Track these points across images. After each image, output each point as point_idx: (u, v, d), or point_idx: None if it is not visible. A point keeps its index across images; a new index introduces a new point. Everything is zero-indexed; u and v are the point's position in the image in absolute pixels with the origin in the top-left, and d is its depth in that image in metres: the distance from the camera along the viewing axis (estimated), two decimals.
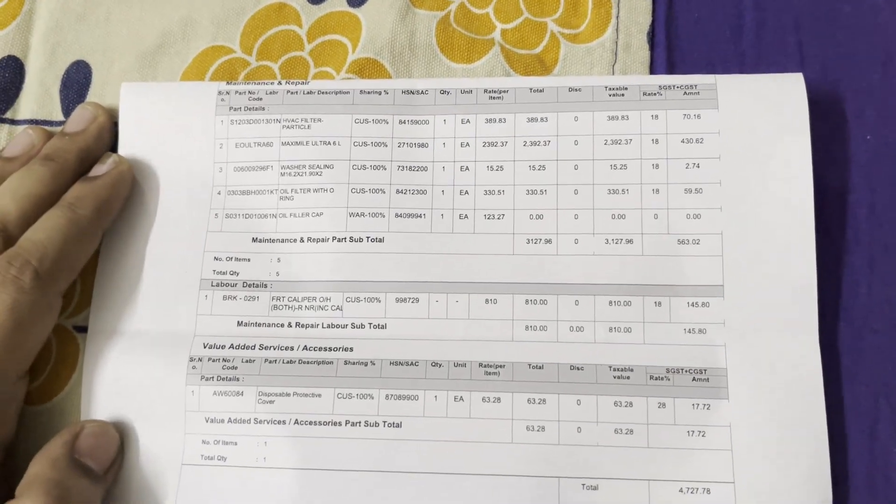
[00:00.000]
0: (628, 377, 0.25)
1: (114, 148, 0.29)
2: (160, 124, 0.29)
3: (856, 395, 0.26)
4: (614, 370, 0.25)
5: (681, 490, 0.25)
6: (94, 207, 0.27)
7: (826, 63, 0.29)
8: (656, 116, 0.27)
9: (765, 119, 0.27)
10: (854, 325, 0.27)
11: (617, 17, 0.29)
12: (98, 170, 0.28)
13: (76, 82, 0.31)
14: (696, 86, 0.27)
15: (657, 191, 0.27)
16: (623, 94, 0.27)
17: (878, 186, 0.28)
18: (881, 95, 0.29)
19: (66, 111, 0.30)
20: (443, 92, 0.28)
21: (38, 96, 0.30)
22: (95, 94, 0.30)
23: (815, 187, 0.27)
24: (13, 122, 0.30)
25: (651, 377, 0.25)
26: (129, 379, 0.27)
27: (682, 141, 0.27)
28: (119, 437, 0.26)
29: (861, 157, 0.28)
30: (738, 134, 0.27)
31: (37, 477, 0.24)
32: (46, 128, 0.30)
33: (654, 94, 0.27)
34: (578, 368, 0.26)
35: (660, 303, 0.26)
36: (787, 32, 0.30)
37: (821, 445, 0.24)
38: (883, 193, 0.28)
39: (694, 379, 0.25)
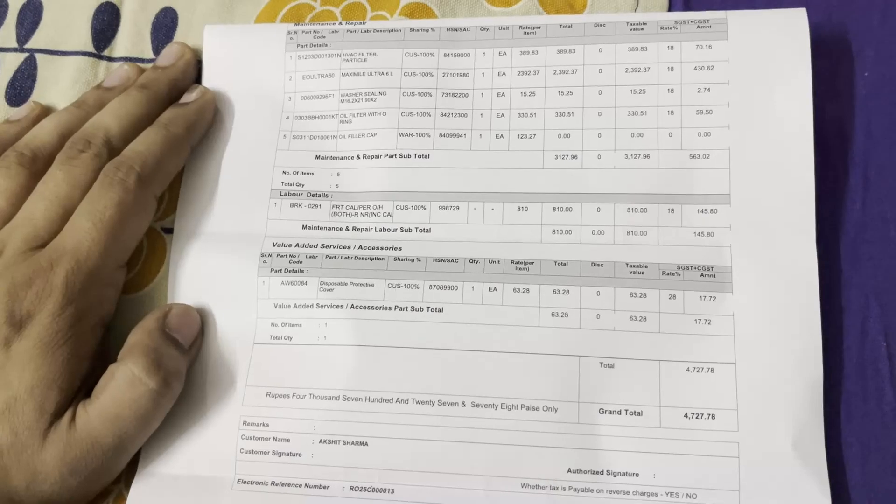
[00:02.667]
0: (643, 272, 0.29)
1: (198, 81, 0.34)
2: (238, 60, 0.33)
3: (850, 296, 0.29)
4: (630, 267, 0.29)
5: (688, 369, 0.28)
6: (185, 127, 0.31)
7: (830, 7, 0.32)
8: (672, 47, 0.31)
9: (771, 47, 0.30)
10: (850, 236, 0.30)
11: None
12: (187, 97, 0.32)
13: (164, 25, 0.35)
14: (708, 20, 0.30)
15: (672, 112, 0.30)
16: (643, 29, 0.31)
17: (874, 115, 0.31)
18: (879, 36, 0.32)
19: (156, 50, 0.35)
20: (483, 29, 0.32)
21: (131, 37, 0.35)
22: (181, 36, 0.35)
23: (816, 118, 0.30)
24: (110, 59, 0.35)
25: (663, 272, 0.29)
26: (208, 272, 0.31)
27: (695, 68, 0.30)
28: (200, 318, 0.30)
29: (860, 91, 0.31)
30: (745, 61, 0.30)
31: (136, 344, 0.28)
32: (139, 64, 0.34)
33: (671, 28, 0.31)
34: (599, 265, 0.29)
35: (673, 209, 0.29)
36: None
37: (814, 332, 0.27)
38: (879, 121, 0.31)
39: (702, 275, 0.29)
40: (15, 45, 0.35)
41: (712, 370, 0.28)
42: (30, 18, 0.36)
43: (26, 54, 0.35)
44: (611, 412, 0.28)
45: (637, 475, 0.27)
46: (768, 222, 0.29)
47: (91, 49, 0.35)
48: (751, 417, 0.27)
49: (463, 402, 0.28)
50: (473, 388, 0.28)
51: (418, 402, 0.28)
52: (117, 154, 0.30)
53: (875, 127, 0.31)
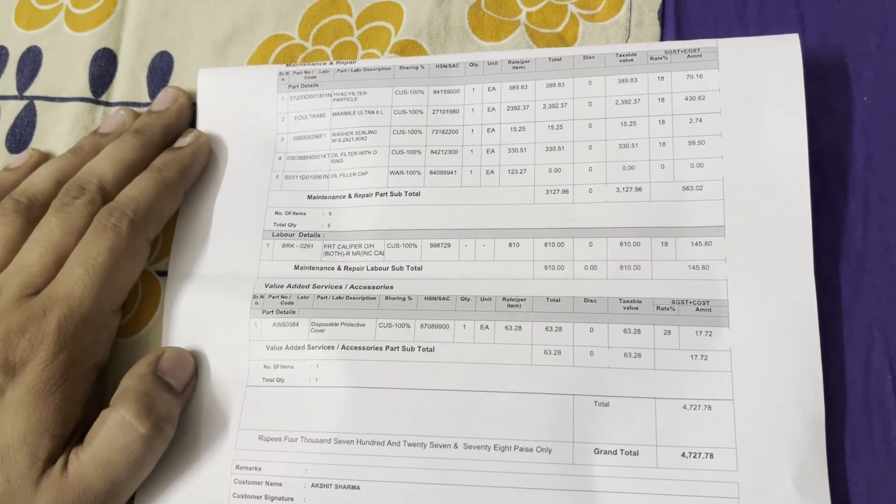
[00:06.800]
0: (637, 308, 0.28)
1: (192, 124, 0.34)
2: (231, 102, 0.34)
3: (852, 327, 0.28)
4: (624, 302, 0.28)
5: (684, 407, 0.27)
6: (178, 171, 0.32)
7: (826, 31, 0.32)
8: (662, 78, 0.30)
9: (762, 75, 0.29)
10: (851, 266, 0.29)
11: None
12: (181, 142, 0.33)
13: (160, 69, 0.36)
14: (698, 49, 0.30)
15: (664, 144, 0.30)
16: (632, 60, 0.30)
17: (874, 140, 0.30)
18: (878, 59, 0.31)
19: (152, 94, 0.35)
20: (472, 64, 0.32)
21: (128, 82, 0.36)
22: (177, 79, 0.35)
23: (815, 143, 0.29)
24: (107, 104, 0.36)
25: (658, 307, 0.28)
26: (201, 314, 0.31)
27: (686, 98, 0.30)
28: (194, 362, 0.30)
29: (859, 116, 0.31)
30: (737, 89, 0.29)
31: (127, 389, 0.28)
32: (135, 109, 0.35)
33: (661, 58, 0.30)
34: (592, 301, 0.29)
35: (666, 243, 0.29)
36: (788, 5, 0.32)
37: (815, 366, 0.27)
38: (879, 146, 0.30)
39: (697, 309, 0.28)
40: (15, 92, 0.36)
41: (710, 407, 0.27)
42: (29, 66, 0.37)
43: (26, 101, 0.36)
44: (606, 452, 0.27)
45: None
46: (765, 253, 0.28)
47: (89, 94, 0.36)
48: (750, 456, 0.26)
49: (455, 444, 0.28)
50: (465, 430, 0.28)
51: (410, 445, 0.28)
52: (111, 199, 0.30)
53: (876, 151, 0.30)
